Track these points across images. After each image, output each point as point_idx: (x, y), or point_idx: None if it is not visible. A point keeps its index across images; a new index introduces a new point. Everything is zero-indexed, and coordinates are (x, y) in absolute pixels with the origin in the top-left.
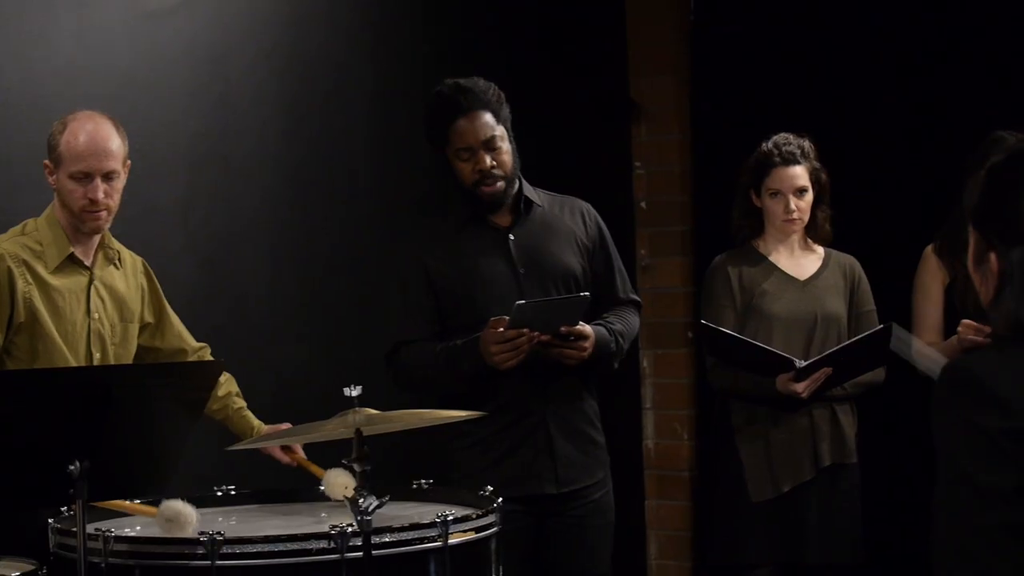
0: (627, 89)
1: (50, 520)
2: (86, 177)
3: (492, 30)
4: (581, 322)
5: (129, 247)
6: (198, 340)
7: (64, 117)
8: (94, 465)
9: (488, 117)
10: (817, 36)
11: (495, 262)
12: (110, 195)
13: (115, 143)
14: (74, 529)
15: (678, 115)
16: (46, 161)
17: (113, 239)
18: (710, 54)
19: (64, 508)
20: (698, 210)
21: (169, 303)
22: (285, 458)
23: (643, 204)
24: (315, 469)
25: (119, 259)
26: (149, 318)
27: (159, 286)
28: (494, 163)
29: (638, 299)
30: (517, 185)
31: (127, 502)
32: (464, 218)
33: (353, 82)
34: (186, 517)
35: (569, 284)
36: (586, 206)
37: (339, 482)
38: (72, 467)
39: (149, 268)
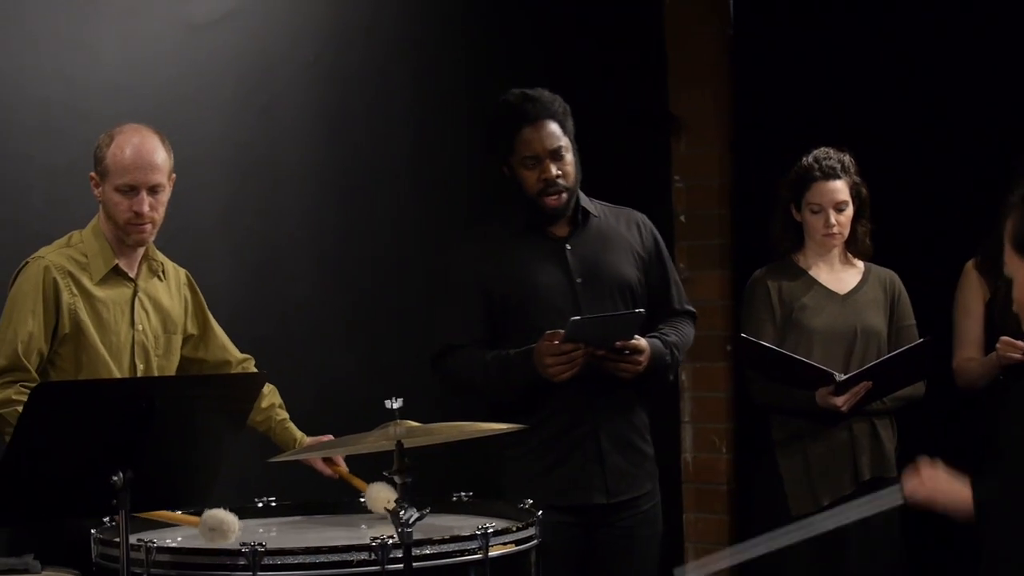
0: (667, 102)
1: (93, 530)
2: (131, 190)
3: (532, 43)
4: (636, 335)
5: (173, 259)
6: (242, 351)
7: (111, 130)
8: (137, 476)
9: (555, 127)
10: (857, 49)
11: (552, 272)
12: (155, 208)
13: (161, 156)
14: (117, 539)
15: (717, 128)
16: (92, 173)
17: (157, 251)
18: (749, 67)
19: (106, 518)
20: (737, 224)
21: (213, 314)
22: (327, 470)
23: (682, 217)
24: (357, 482)
25: (163, 271)
26: (193, 330)
27: (203, 298)
28: (559, 172)
29: (693, 310)
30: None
31: (170, 512)
32: (521, 227)
33: (395, 92)
34: (229, 525)
35: (625, 295)
36: (642, 217)
37: (381, 496)
38: (115, 478)
39: (193, 280)
